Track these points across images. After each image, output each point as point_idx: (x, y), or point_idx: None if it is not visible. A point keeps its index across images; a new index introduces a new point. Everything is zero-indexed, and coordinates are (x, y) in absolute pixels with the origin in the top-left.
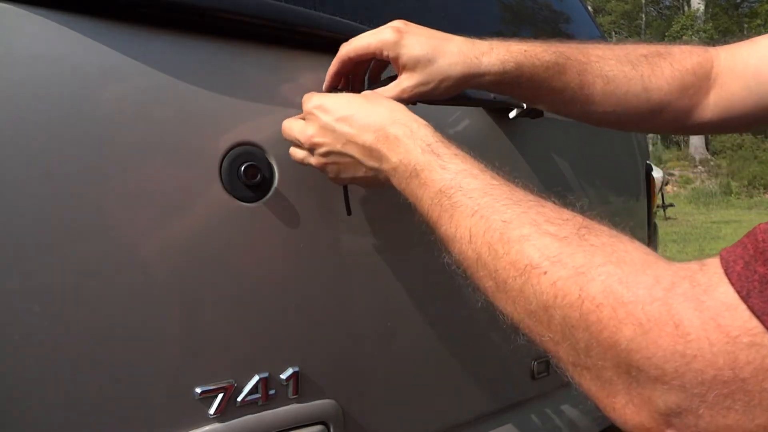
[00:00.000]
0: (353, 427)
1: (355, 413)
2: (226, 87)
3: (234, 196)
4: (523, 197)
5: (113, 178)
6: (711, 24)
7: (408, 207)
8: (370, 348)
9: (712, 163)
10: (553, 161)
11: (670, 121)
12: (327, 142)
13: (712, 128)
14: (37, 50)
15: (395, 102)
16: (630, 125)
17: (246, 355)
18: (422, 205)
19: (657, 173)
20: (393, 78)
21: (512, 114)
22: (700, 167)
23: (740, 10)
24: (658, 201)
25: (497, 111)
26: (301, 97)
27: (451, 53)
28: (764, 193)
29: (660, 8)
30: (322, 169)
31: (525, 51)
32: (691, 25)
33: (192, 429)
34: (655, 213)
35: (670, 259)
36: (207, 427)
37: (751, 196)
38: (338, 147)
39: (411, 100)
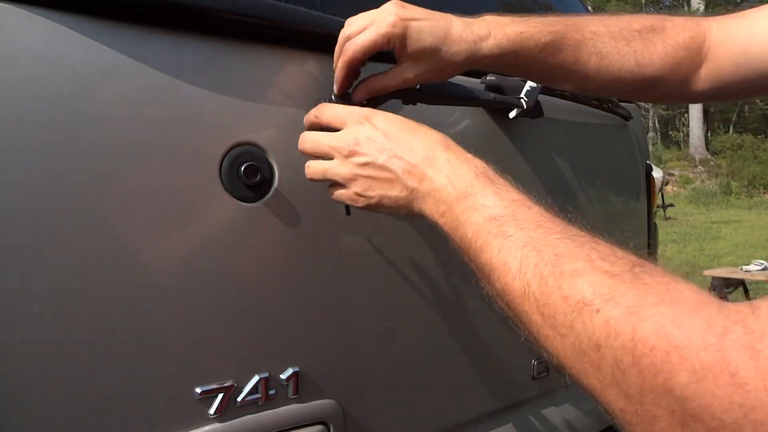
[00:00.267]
0: (353, 427)
1: (355, 413)
2: (226, 87)
3: (234, 196)
4: (576, 232)
5: (113, 178)
6: None
7: None
8: (370, 348)
9: (712, 163)
10: (553, 161)
11: (663, 94)
12: (370, 152)
13: (704, 99)
14: (37, 50)
15: (441, 133)
16: (624, 97)
17: (246, 355)
18: (465, 230)
19: (657, 173)
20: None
21: (512, 114)
22: (700, 167)
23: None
24: (658, 201)
25: (497, 111)
26: (301, 97)
27: (453, 41)
28: (764, 193)
29: (660, 8)
30: (349, 181)
31: (521, 33)
32: None
33: (192, 429)
34: (655, 213)
35: (670, 259)
36: (207, 427)
37: (751, 196)
38: (381, 160)
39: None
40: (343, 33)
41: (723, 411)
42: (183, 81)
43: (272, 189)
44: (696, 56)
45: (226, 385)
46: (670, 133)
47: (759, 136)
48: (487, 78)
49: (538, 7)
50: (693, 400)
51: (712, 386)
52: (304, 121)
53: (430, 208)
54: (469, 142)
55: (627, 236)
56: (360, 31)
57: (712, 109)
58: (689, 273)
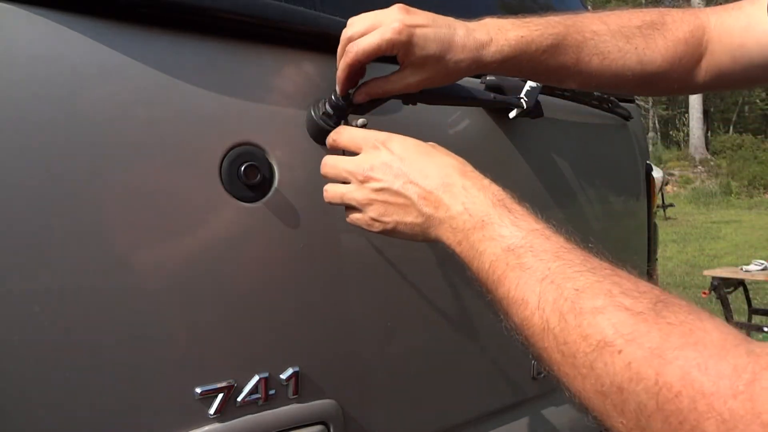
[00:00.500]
0: (353, 427)
1: (355, 413)
2: (226, 87)
3: (234, 196)
4: (597, 264)
5: (113, 178)
6: None
7: None
8: (370, 348)
9: (712, 163)
10: (553, 161)
11: (665, 88)
12: (385, 178)
13: (706, 90)
14: (37, 50)
15: (460, 157)
16: (627, 93)
17: (246, 355)
18: (482, 260)
19: (657, 173)
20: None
21: (512, 114)
22: (700, 167)
23: None
24: (658, 201)
25: (497, 111)
26: (301, 97)
27: (457, 49)
28: (764, 193)
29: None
30: (365, 206)
31: (522, 38)
32: None
33: (192, 429)
34: (655, 213)
35: (670, 258)
36: (207, 427)
37: (751, 196)
38: (396, 186)
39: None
40: (346, 33)
41: None
42: (183, 81)
43: (272, 189)
44: (696, 50)
45: (226, 385)
46: (670, 133)
47: (759, 136)
48: (487, 78)
49: (538, 7)
50: None
51: None
52: (327, 142)
53: (446, 235)
54: (469, 142)
55: (627, 236)
56: (363, 34)
57: (712, 109)
58: (689, 273)
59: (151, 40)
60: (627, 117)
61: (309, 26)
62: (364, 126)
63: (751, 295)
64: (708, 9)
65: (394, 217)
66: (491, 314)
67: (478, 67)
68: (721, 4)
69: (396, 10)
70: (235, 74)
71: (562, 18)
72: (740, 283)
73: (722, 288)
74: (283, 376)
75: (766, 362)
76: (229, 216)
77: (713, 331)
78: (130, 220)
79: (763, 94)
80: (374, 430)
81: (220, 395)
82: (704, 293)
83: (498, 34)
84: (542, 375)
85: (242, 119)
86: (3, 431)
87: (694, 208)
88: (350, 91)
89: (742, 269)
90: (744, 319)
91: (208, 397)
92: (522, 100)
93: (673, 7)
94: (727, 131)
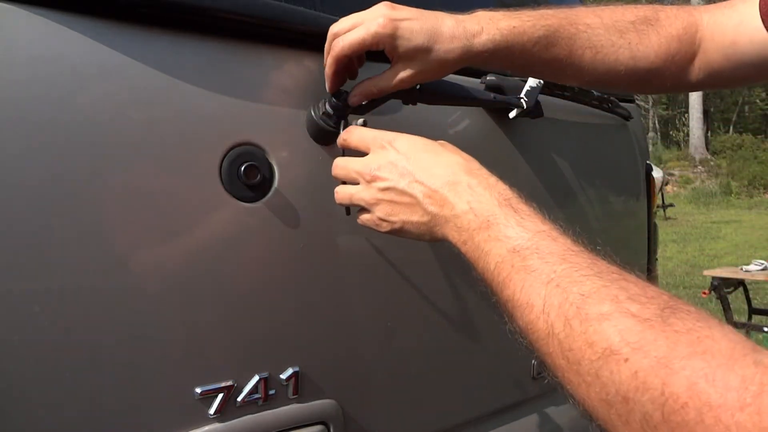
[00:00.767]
0: (353, 427)
1: (355, 413)
2: (226, 87)
3: (234, 196)
4: (604, 268)
5: (113, 178)
6: None
7: None
8: (370, 348)
9: (712, 163)
10: (553, 161)
11: (658, 85)
12: (391, 177)
13: (700, 88)
14: (37, 50)
15: (467, 155)
16: (621, 90)
17: (246, 355)
18: (487, 261)
19: (657, 173)
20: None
21: (512, 114)
22: (700, 167)
23: None
24: (658, 201)
25: (497, 111)
26: (301, 97)
27: (445, 39)
28: (764, 193)
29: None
30: (372, 206)
31: (514, 28)
32: None
33: (192, 429)
34: (655, 213)
35: (670, 258)
36: (207, 427)
37: (751, 196)
38: (402, 185)
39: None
40: (332, 30)
41: None
42: (183, 81)
43: (272, 189)
44: (689, 47)
45: (226, 385)
46: (670, 133)
47: (759, 136)
48: (487, 78)
49: (534, 2)
50: None
51: None
52: (338, 142)
53: (452, 234)
54: (469, 142)
55: (627, 236)
56: (349, 30)
57: (712, 109)
58: (689, 273)
59: (151, 40)
60: (627, 117)
61: (309, 26)
62: (364, 125)
63: (751, 295)
64: (702, 7)
65: (401, 216)
66: (491, 314)
67: (470, 57)
68: (717, 1)
69: (381, 6)
70: (235, 74)
71: (556, 11)
72: (740, 283)
73: (722, 288)
74: (283, 376)
75: None
76: (229, 216)
77: (721, 339)
78: (130, 220)
79: (763, 94)
80: (374, 430)
81: (220, 395)
82: (704, 293)
83: (489, 24)
84: (542, 375)
85: (242, 119)
86: (3, 431)
87: (694, 208)
88: (344, 90)
89: (742, 269)
90: (744, 319)
91: (208, 397)
92: (522, 100)
93: (670, 4)
94: (727, 131)
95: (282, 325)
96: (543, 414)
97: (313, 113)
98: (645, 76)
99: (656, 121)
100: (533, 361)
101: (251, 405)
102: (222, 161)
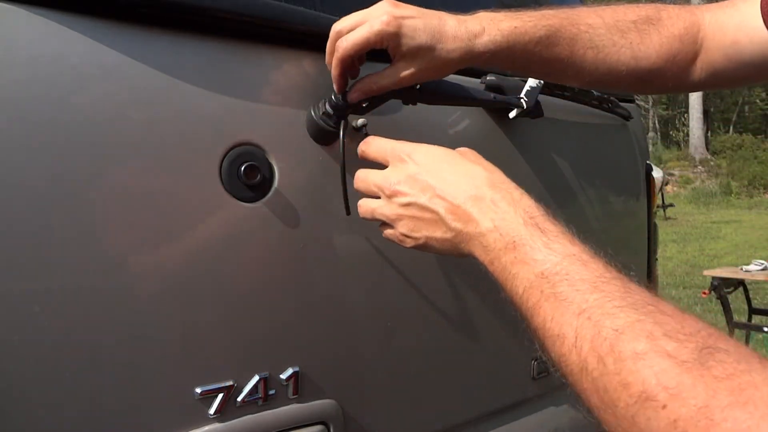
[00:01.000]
0: (353, 427)
1: (355, 413)
2: (226, 87)
3: (234, 196)
4: (638, 297)
5: (113, 178)
6: None
7: None
8: (370, 348)
9: (712, 163)
10: (553, 161)
11: (660, 85)
12: (412, 192)
13: (702, 88)
14: (37, 50)
15: (491, 164)
16: (622, 90)
17: (246, 355)
18: (515, 284)
19: (657, 173)
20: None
21: (512, 114)
22: (700, 167)
23: None
24: (658, 201)
25: (497, 111)
26: (301, 97)
27: (448, 39)
28: (764, 193)
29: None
30: (395, 221)
31: (515, 28)
32: None
33: (192, 429)
34: (655, 213)
35: (670, 258)
36: (207, 427)
37: (751, 196)
38: (423, 200)
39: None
40: (335, 28)
41: None
42: (183, 81)
43: (272, 189)
44: (691, 47)
45: (226, 385)
46: (670, 133)
47: (759, 136)
48: (487, 78)
49: (535, 2)
50: None
51: None
52: (358, 153)
53: (478, 252)
54: (469, 142)
55: (627, 236)
56: (352, 28)
57: (712, 109)
58: (689, 273)
59: (151, 40)
60: (627, 117)
61: (309, 26)
62: (364, 126)
63: (751, 295)
64: (704, 6)
65: (423, 232)
66: (491, 314)
67: (471, 57)
68: (718, 0)
69: (384, 3)
70: (235, 74)
71: (557, 11)
72: (740, 283)
73: (722, 288)
74: (283, 376)
75: None
76: (229, 216)
77: (763, 386)
78: (130, 220)
79: (763, 94)
80: (374, 430)
81: (220, 395)
82: (704, 293)
83: (490, 24)
84: (542, 375)
85: (242, 119)
86: (3, 431)
87: (694, 208)
88: (348, 90)
89: (742, 269)
90: (744, 319)
91: (208, 397)
92: (522, 100)
93: (672, 3)
94: (727, 131)
95: (282, 325)
96: (543, 414)
97: (313, 113)
98: (646, 76)
99: (656, 121)
100: (533, 361)
101: (251, 405)
102: (222, 161)
